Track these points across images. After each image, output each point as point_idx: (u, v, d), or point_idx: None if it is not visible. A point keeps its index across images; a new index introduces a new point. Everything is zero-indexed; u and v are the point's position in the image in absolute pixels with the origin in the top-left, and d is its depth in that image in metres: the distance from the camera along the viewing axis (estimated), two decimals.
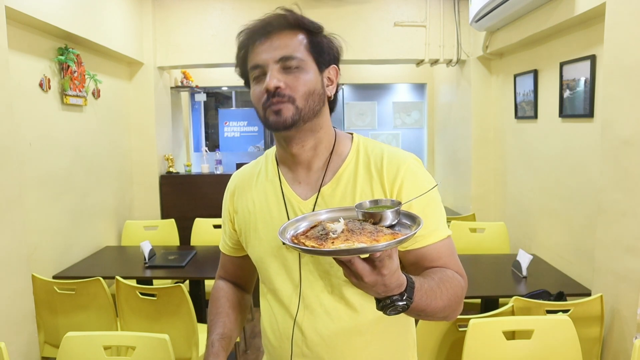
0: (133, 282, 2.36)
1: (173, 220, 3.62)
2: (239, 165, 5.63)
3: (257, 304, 4.04)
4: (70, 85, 2.87)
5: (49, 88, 2.71)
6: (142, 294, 2.21)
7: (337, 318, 0.96)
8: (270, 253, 1.00)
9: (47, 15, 2.48)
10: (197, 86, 4.87)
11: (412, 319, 1.02)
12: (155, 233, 3.52)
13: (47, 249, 2.69)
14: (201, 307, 2.84)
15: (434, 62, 4.04)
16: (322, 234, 0.73)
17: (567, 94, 2.74)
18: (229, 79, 5.34)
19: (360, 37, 3.90)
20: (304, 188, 1.00)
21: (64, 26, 2.65)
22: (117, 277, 2.26)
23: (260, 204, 1.03)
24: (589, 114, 2.52)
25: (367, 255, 0.70)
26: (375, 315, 0.96)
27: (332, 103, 1.01)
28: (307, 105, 0.92)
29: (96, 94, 3.26)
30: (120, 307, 2.31)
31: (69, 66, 2.84)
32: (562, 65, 2.77)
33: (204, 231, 3.59)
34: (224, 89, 7.61)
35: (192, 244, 3.55)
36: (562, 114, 2.80)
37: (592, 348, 2.04)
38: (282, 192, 1.01)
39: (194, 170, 4.29)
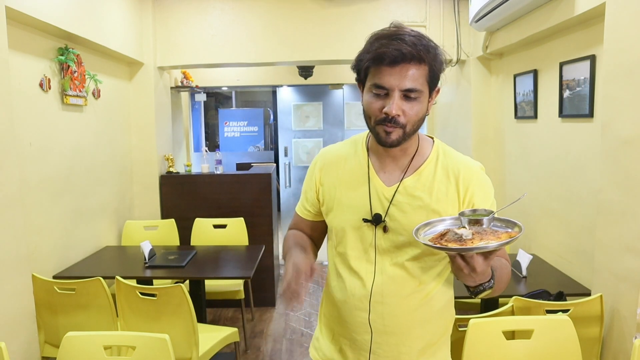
0: (133, 282, 2.36)
1: (173, 220, 3.62)
2: (239, 165, 5.64)
3: (256, 304, 4.02)
4: (71, 85, 2.87)
5: (49, 88, 2.71)
6: (142, 293, 2.21)
7: (399, 283, 1.16)
8: (351, 226, 1.19)
9: (47, 15, 2.48)
10: (197, 86, 4.87)
11: (453, 298, 1.27)
12: (155, 233, 3.53)
13: (47, 249, 2.69)
14: (201, 307, 2.84)
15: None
16: (457, 238, 0.94)
17: (567, 94, 2.74)
18: (229, 79, 5.34)
19: (361, 37, 3.86)
20: (389, 176, 1.18)
21: (64, 26, 2.65)
22: (117, 277, 2.27)
23: (347, 183, 1.21)
24: (589, 114, 2.52)
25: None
26: (428, 283, 1.18)
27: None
28: (412, 129, 1.10)
29: (96, 94, 3.26)
30: (120, 307, 2.31)
31: (69, 66, 2.84)
32: (562, 65, 2.77)
33: (204, 231, 3.60)
34: (224, 89, 7.61)
35: (192, 244, 3.55)
36: (562, 114, 2.80)
37: (592, 348, 2.05)
38: (369, 177, 1.19)
39: (194, 170, 4.29)
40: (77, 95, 2.97)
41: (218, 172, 4.23)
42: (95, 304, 2.30)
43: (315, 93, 6.01)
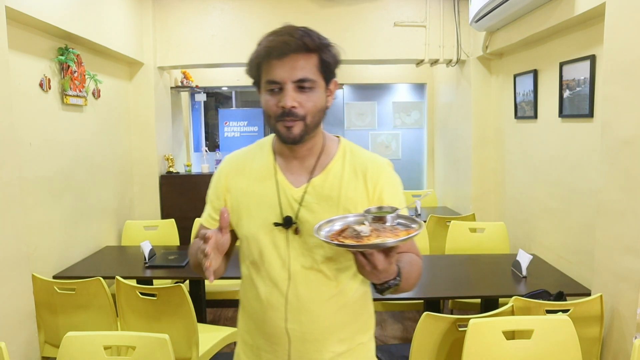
0: (133, 282, 2.36)
1: (173, 220, 3.61)
2: None
3: None
4: (71, 85, 2.87)
5: (49, 88, 2.71)
6: (142, 293, 2.21)
7: (315, 286, 1.13)
8: (262, 230, 1.15)
9: (47, 15, 2.48)
10: (197, 86, 4.87)
11: (370, 293, 1.24)
12: (155, 233, 3.52)
13: (47, 249, 2.69)
14: (201, 307, 2.84)
15: (434, 62, 4.04)
16: (355, 234, 0.92)
17: (566, 94, 2.74)
18: (229, 79, 5.34)
19: (360, 37, 3.90)
20: (296, 178, 1.16)
21: (64, 26, 2.65)
22: (117, 277, 2.26)
23: (254, 188, 1.17)
24: (589, 114, 2.52)
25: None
26: (346, 285, 1.16)
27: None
28: (313, 121, 1.09)
29: (96, 94, 3.26)
30: (120, 307, 2.31)
31: (69, 66, 2.84)
32: (561, 65, 2.77)
33: None
34: (224, 89, 7.60)
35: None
36: (562, 114, 2.80)
37: (592, 348, 2.04)
38: (277, 179, 1.16)
39: (194, 170, 4.29)
40: (77, 95, 2.97)
41: None
42: (95, 304, 2.30)
43: None
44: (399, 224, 0.99)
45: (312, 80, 1.06)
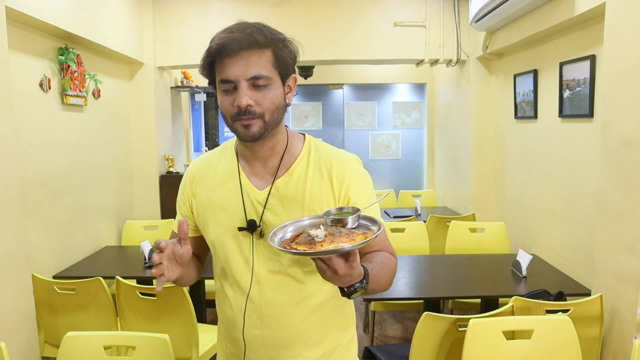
0: (133, 282, 2.36)
1: (173, 220, 3.61)
2: None
3: None
4: (71, 85, 2.87)
5: (49, 88, 2.71)
6: (142, 293, 2.21)
7: (284, 291, 1.10)
8: (228, 235, 1.12)
9: (47, 15, 2.48)
10: (197, 86, 4.87)
11: None
12: (155, 233, 3.52)
13: (47, 249, 2.69)
14: (201, 307, 2.84)
15: (434, 62, 4.04)
16: (308, 239, 0.87)
17: (566, 94, 2.74)
18: None
19: (360, 37, 3.90)
20: (260, 180, 1.12)
21: (64, 26, 2.65)
22: (117, 277, 2.26)
23: (219, 192, 1.14)
24: (589, 114, 2.52)
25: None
26: (317, 287, 1.11)
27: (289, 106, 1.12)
28: (272, 119, 1.04)
29: (96, 94, 3.26)
30: (120, 307, 2.31)
31: (69, 66, 2.84)
32: (561, 65, 2.77)
33: None
34: None
35: None
36: (562, 114, 2.80)
37: (592, 348, 2.04)
38: (240, 183, 1.12)
39: None
40: (77, 95, 2.97)
41: None
42: (95, 304, 2.30)
43: (314, 93, 6.01)
44: (360, 225, 0.94)
45: (266, 77, 1.01)
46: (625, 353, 1.98)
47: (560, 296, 2.16)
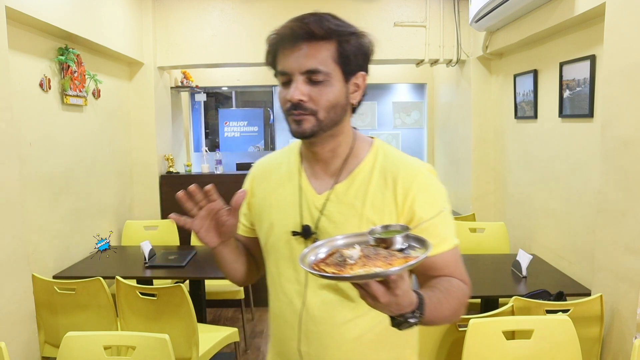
0: (133, 282, 2.36)
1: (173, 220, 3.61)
2: (239, 165, 5.63)
3: (256, 304, 4.01)
4: (71, 85, 2.87)
5: (49, 88, 2.71)
6: (142, 293, 2.21)
7: (332, 307, 1.00)
8: (281, 238, 1.04)
9: (47, 15, 2.48)
10: (197, 86, 4.87)
11: None
12: (155, 233, 3.53)
13: (47, 249, 2.69)
14: (201, 307, 2.84)
15: (434, 62, 4.04)
16: (340, 261, 0.78)
17: (566, 94, 2.74)
18: (229, 79, 5.33)
19: None
20: (320, 183, 1.04)
21: (64, 26, 2.65)
22: (117, 277, 2.27)
23: (277, 192, 1.08)
24: (589, 114, 2.52)
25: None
26: (367, 311, 0.97)
27: (356, 107, 1.04)
28: (328, 117, 0.96)
29: (96, 94, 3.26)
30: (120, 307, 2.31)
31: (69, 66, 2.84)
32: (561, 65, 2.77)
33: None
34: (224, 89, 7.60)
35: (192, 243, 3.55)
36: (562, 114, 2.80)
37: (592, 348, 2.04)
38: (300, 184, 1.05)
39: (194, 170, 4.29)
40: (77, 95, 2.97)
41: (218, 172, 4.23)
42: (95, 304, 2.30)
43: None
44: (410, 246, 0.83)
45: (324, 72, 0.93)
46: (625, 353, 1.98)
47: (560, 296, 2.16)
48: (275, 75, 1.01)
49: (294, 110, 0.95)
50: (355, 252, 0.79)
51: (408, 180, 0.98)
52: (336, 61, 0.95)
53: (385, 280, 0.75)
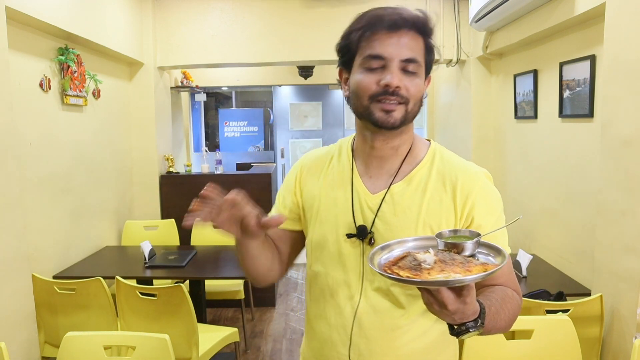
0: (133, 282, 2.36)
1: (173, 220, 3.62)
2: (239, 165, 5.63)
3: (256, 304, 4.01)
4: (71, 85, 2.87)
5: (49, 88, 2.71)
6: (142, 293, 2.21)
7: (380, 312, 0.98)
8: (330, 240, 1.01)
9: (47, 15, 2.48)
10: (197, 86, 4.87)
11: None
12: (155, 233, 3.53)
13: (47, 249, 2.69)
14: (201, 307, 2.84)
15: (434, 62, 4.03)
16: (414, 265, 0.75)
17: (566, 94, 2.74)
18: (229, 79, 5.34)
19: None
20: (374, 182, 1.01)
21: (64, 26, 2.65)
22: (117, 277, 2.27)
23: (327, 190, 1.04)
24: (589, 114, 2.52)
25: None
26: (418, 316, 0.98)
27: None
28: (414, 110, 0.95)
29: (96, 94, 3.26)
30: (120, 307, 2.31)
31: (69, 66, 2.84)
32: (561, 65, 2.77)
33: (204, 231, 3.59)
34: (224, 89, 7.61)
35: (192, 244, 3.55)
36: (562, 114, 2.80)
37: (592, 348, 2.05)
38: (352, 183, 1.01)
39: (194, 170, 4.29)
40: (77, 95, 2.97)
41: (218, 172, 4.24)
42: (95, 304, 2.30)
43: (314, 93, 6.01)
44: (478, 253, 0.80)
45: (419, 64, 0.93)
46: (625, 353, 1.98)
47: (560, 296, 2.16)
48: (344, 62, 0.99)
49: (390, 96, 0.91)
50: (429, 256, 0.76)
51: (468, 186, 0.97)
52: (424, 56, 0.96)
53: (457, 288, 0.73)
